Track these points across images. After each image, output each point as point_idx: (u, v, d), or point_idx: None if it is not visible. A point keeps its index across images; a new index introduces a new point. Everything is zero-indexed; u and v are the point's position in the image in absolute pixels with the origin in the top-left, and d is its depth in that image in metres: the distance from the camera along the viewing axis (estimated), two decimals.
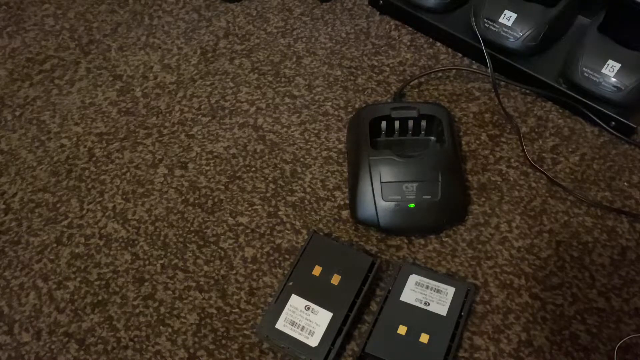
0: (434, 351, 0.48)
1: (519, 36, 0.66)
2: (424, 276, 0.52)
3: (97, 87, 0.68)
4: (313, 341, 0.48)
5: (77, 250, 0.56)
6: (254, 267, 0.55)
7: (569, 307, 0.53)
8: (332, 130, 0.64)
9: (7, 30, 0.73)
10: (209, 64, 0.70)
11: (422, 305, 0.51)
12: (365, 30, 0.74)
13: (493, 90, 0.66)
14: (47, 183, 0.60)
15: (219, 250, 0.56)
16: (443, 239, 0.57)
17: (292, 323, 0.49)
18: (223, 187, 0.60)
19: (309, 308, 0.50)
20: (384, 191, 0.55)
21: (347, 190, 0.59)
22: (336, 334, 0.49)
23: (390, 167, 0.56)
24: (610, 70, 0.62)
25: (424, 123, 0.60)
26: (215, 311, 0.52)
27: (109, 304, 0.53)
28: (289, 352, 0.49)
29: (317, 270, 0.52)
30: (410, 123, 0.60)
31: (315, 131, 0.64)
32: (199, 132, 0.64)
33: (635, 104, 0.63)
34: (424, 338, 0.49)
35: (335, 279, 0.51)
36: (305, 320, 0.49)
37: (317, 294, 0.50)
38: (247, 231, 0.57)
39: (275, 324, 0.49)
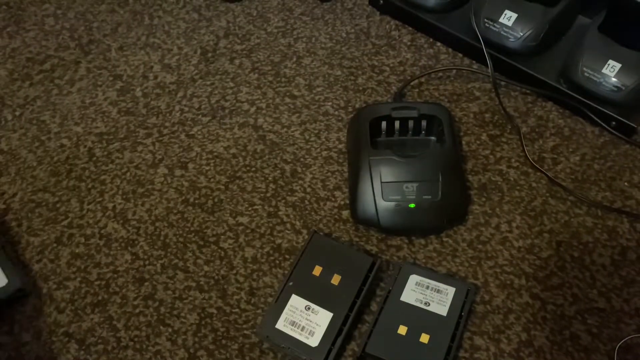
0: (434, 351, 0.48)
1: (519, 36, 0.66)
2: (424, 276, 0.52)
3: (97, 87, 0.68)
4: (313, 341, 0.48)
5: (77, 250, 0.56)
6: (254, 267, 0.55)
7: (570, 307, 0.53)
8: (332, 130, 0.64)
9: (7, 30, 0.73)
10: (209, 64, 0.70)
11: (422, 306, 0.51)
12: (366, 30, 0.74)
13: (493, 90, 0.66)
14: (47, 183, 0.60)
15: (219, 250, 0.56)
16: (443, 239, 0.57)
17: (293, 323, 0.49)
18: (223, 187, 0.60)
19: (309, 308, 0.50)
20: (385, 191, 0.55)
21: (347, 190, 0.59)
22: (336, 334, 0.48)
23: (391, 167, 0.56)
24: (611, 70, 0.62)
25: (424, 123, 0.60)
26: (215, 311, 0.52)
27: (109, 304, 0.53)
28: (289, 352, 0.49)
29: (317, 271, 0.51)
30: (411, 123, 0.60)
31: (316, 131, 0.64)
32: (199, 132, 0.64)
33: (635, 104, 0.63)
34: (424, 338, 0.49)
35: (336, 279, 0.51)
36: (306, 321, 0.49)
37: (317, 294, 0.50)
38: (247, 231, 0.57)
39: (275, 324, 0.49)
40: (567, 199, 0.60)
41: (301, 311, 0.49)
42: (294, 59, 0.71)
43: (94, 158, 0.62)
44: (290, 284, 0.51)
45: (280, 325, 0.49)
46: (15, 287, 0.51)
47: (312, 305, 0.50)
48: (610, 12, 0.65)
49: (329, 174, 0.61)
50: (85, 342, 0.51)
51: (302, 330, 0.49)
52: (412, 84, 0.68)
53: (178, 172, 0.61)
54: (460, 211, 0.57)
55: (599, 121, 0.64)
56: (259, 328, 0.49)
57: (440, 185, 0.55)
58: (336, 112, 0.66)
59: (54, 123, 0.65)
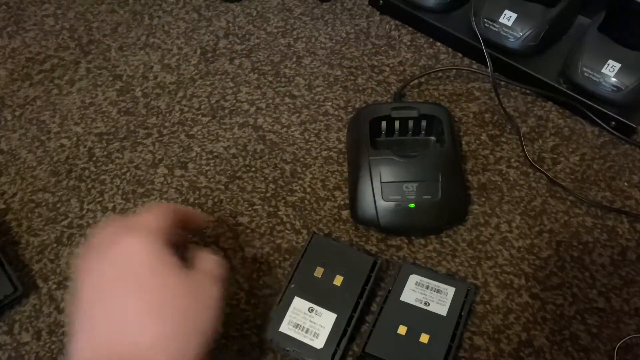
0: (434, 351, 0.48)
1: (519, 36, 0.66)
2: (424, 276, 0.52)
3: (97, 87, 0.68)
4: (318, 343, 0.48)
5: (77, 250, 0.56)
6: (254, 267, 0.55)
7: (569, 307, 0.53)
8: (332, 130, 0.64)
9: (7, 30, 0.73)
10: (209, 64, 0.70)
11: (422, 305, 0.51)
12: (365, 30, 0.74)
13: (493, 90, 0.66)
14: (47, 183, 0.60)
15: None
16: (443, 239, 0.57)
17: (297, 325, 0.49)
18: (223, 187, 0.60)
19: (312, 310, 0.50)
20: (384, 191, 0.55)
21: (347, 190, 0.59)
22: (341, 335, 0.48)
23: (391, 167, 0.56)
24: (611, 70, 0.62)
25: (424, 123, 0.60)
26: None
27: None
28: (294, 354, 0.48)
29: (319, 272, 0.51)
30: (411, 123, 0.60)
31: (315, 131, 0.64)
32: (199, 132, 0.64)
33: (635, 104, 0.63)
34: (424, 338, 0.49)
35: (338, 280, 0.51)
36: (310, 323, 0.49)
37: (320, 296, 0.50)
38: (247, 231, 0.57)
39: (279, 327, 0.49)
40: (566, 198, 0.60)
41: (305, 313, 0.49)
42: (294, 59, 0.71)
43: (94, 158, 0.62)
44: (292, 286, 0.51)
45: (284, 328, 0.49)
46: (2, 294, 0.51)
47: (315, 307, 0.50)
48: (610, 12, 0.65)
49: (329, 174, 0.61)
50: None
51: (306, 332, 0.49)
52: (411, 84, 0.68)
53: (178, 172, 0.61)
54: (460, 211, 0.57)
55: (599, 121, 0.64)
56: (263, 331, 0.49)
57: (440, 185, 0.55)
58: (336, 112, 0.66)
59: (53, 123, 0.65)
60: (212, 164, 0.62)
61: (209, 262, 0.43)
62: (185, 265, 0.40)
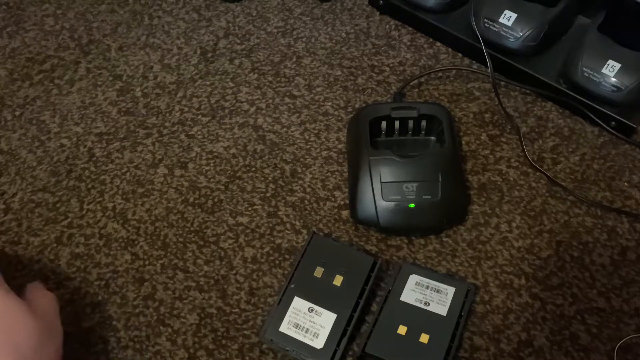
0: (434, 351, 0.48)
1: (519, 36, 0.66)
2: (424, 276, 0.52)
3: (97, 87, 0.68)
4: (318, 343, 0.48)
5: (77, 250, 0.56)
6: (254, 267, 0.55)
7: (569, 307, 0.53)
8: (332, 130, 0.64)
9: (7, 30, 0.73)
10: (209, 64, 0.70)
11: (422, 305, 0.51)
12: (365, 30, 0.74)
13: (493, 90, 0.66)
14: (47, 183, 0.60)
15: (219, 250, 0.56)
16: (443, 239, 0.57)
17: (296, 325, 0.49)
18: (223, 187, 0.60)
19: (312, 310, 0.50)
20: (384, 191, 0.55)
21: (347, 190, 0.59)
22: (341, 335, 0.48)
23: (390, 167, 0.56)
24: (611, 70, 0.62)
25: (424, 123, 0.60)
26: (215, 311, 0.52)
27: (109, 304, 0.53)
28: (294, 354, 0.48)
29: (318, 272, 0.51)
30: (411, 123, 0.60)
31: (315, 131, 0.64)
32: (199, 132, 0.64)
33: (635, 104, 0.63)
34: (424, 338, 0.49)
35: (338, 280, 0.51)
36: (310, 323, 0.49)
37: (320, 296, 0.50)
38: (247, 231, 0.57)
39: (279, 327, 0.49)
40: (566, 198, 0.60)
41: (304, 313, 0.49)
42: (294, 59, 0.71)
43: (94, 158, 0.62)
44: (292, 286, 0.51)
45: (284, 328, 0.49)
46: None
47: (315, 307, 0.50)
48: (610, 12, 0.65)
49: (329, 174, 0.61)
50: (85, 342, 0.51)
51: (306, 332, 0.49)
52: (411, 84, 0.68)
53: (178, 172, 0.61)
54: (460, 211, 0.57)
55: (599, 121, 0.64)
56: (263, 331, 0.49)
57: (440, 185, 0.55)
58: (336, 112, 0.66)
59: (53, 123, 0.65)
60: (212, 164, 0.62)
61: (44, 299, 0.47)
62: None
